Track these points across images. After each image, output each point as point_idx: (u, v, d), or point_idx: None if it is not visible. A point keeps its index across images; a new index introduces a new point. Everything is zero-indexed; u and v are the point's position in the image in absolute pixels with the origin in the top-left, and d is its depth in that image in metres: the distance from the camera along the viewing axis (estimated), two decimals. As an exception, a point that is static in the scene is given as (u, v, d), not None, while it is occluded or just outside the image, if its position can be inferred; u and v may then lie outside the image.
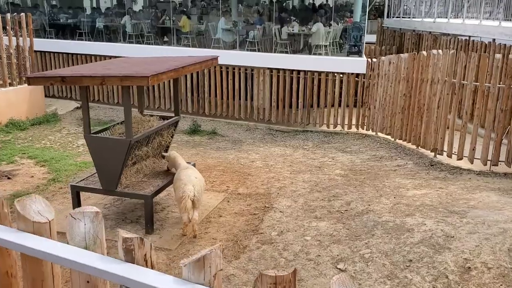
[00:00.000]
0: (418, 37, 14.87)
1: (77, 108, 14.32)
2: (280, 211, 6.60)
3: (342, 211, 6.42)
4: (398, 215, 6.07)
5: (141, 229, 6.16)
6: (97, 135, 6.06)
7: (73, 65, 14.17)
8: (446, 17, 16.88)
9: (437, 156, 8.66)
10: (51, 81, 5.39)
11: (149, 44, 13.54)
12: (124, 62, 6.57)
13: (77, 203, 6.21)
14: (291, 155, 9.97)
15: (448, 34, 13.09)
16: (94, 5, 16.26)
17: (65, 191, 7.46)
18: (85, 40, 14.29)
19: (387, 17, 17.75)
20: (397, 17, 17.14)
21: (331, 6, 13.66)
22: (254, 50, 12.33)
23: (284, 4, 13.93)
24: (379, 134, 10.85)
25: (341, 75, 11.26)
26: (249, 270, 5.20)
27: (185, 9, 13.71)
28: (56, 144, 10.69)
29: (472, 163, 8.09)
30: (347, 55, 11.86)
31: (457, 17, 15.35)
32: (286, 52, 12.08)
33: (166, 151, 7.15)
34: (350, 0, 13.80)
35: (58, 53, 14.29)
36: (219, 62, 11.85)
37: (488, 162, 7.95)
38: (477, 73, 7.80)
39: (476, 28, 11.62)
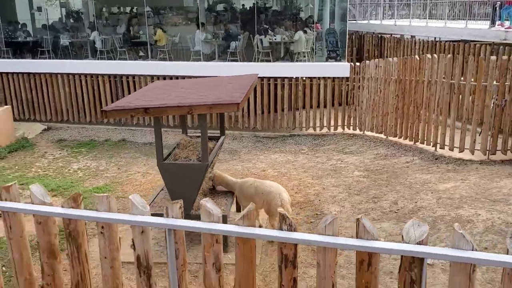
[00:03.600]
0: (379, 39, 15.94)
1: (45, 130, 13.61)
2: (336, 217, 6.98)
3: (395, 211, 6.96)
4: (448, 208, 6.72)
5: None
6: (170, 161, 6.05)
7: (36, 85, 13.42)
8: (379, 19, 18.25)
9: (438, 150, 9.53)
10: (131, 113, 5.31)
11: (123, 59, 13.19)
12: (182, 87, 6.57)
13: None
14: (295, 160, 10.36)
15: (413, 36, 14.23)
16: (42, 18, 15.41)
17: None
18: (48, 58, 13.58)
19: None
20: (353, 20, 18.23)
21: (304, 14, 14.19)
22: (236, 60, 12.53)
23: (262, 13, 14.26)
24: (367, 133, 11.59)
25: (325, 80, 11.84)
26: (345, 275, 5.54)
27: (157, 22, 13.53)
28: (49, 171, 10.16)
29: (473, 154, 9.03)
30: (326, 61, 12.48)
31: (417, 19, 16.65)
32: (269, 61, 12.43)
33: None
34: (308, 5, 14.49)
35: (17, 73, 13.43)
36: (201, 74, 12.00)
37: (487, 152, 8.93)
38: (475, 73, 8.74)
39: (441, 30, 12.79)
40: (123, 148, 11.91)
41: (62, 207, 3.12)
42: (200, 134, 7.47)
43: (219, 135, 7.30)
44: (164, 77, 12.40)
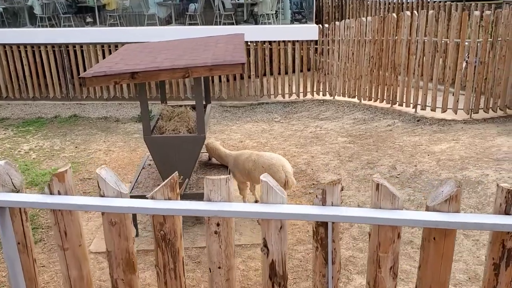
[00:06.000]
0: (340, 1, 15.41)
1: (-20, 108, 12.12)
2: (336, 186, 6.50)
3: (396, 176, 6.57)
4: (453, 170, 6.42)
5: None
6: (160, 135, 5.25)
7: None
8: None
9: (419, 111, 9.26)
10: (115, 80, 4.43)
11: (68, 26, 11.82)
12: (163, 49, 5.71)
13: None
14: (271, 129, 9.77)
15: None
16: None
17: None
18: (-22, 27, 11.96)
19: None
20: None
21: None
22: (196, 24, 11.58)
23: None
24: (338, 98, 11.16)
25: (293, 44, 11.21)
26: (362, 248, 5.09)
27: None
28: (-5, 154, 8.95)
29: (456, 113, 8.82)
30: (291, 23, 11.83)
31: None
32: (232, 24, 11.59)
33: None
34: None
35: None
36: (158, 40, 10.98)
37: (470, 111, 8.76)
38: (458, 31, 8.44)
39: (408, -11, 12.46)
40: (76, 124, 10.80)
41: (152, 198, 2.09)
42: (182, 104, 6.71)
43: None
44: (116, 45, 11.25)
